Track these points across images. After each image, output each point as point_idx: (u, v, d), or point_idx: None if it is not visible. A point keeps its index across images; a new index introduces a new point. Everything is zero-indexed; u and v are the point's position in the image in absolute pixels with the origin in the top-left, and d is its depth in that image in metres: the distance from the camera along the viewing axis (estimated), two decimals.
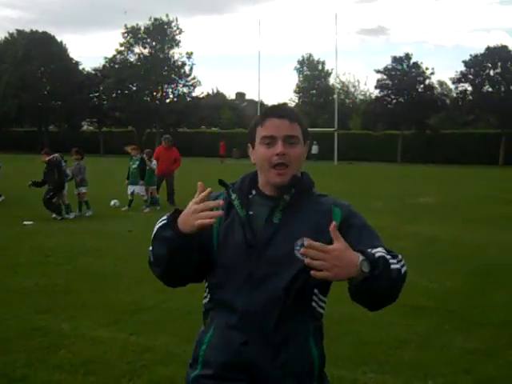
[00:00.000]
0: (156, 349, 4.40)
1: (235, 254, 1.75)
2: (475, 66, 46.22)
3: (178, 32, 54.94)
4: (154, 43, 54.38)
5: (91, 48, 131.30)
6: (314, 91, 58.75)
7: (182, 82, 55.26)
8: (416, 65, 48.59)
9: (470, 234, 10.05)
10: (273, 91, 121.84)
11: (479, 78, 46.37)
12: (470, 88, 47.36)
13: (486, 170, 33.64)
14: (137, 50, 54.73)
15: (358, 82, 76.41)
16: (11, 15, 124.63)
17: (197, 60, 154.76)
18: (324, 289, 1.80)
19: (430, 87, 48.72)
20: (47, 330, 4.80)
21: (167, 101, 55.25)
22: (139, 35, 54.30)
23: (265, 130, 1.80)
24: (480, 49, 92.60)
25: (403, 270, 1.68)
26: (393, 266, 1.63)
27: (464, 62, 46.80)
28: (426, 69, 48.56)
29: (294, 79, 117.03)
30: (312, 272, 1.50)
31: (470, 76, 46.73)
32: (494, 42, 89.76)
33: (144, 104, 52.73)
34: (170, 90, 55.62)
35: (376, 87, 50.24)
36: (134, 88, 54.02)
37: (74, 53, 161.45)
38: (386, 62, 52.15)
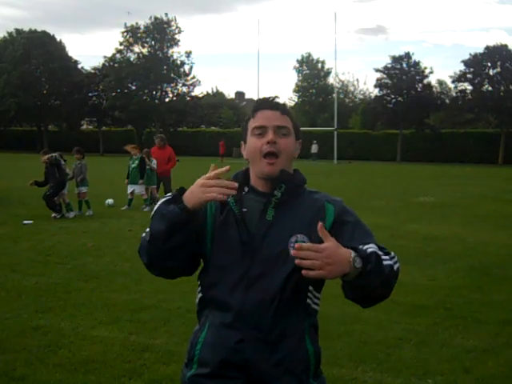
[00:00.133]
0: (156, 348, 4.40)
1: (230, 252, 1.74)
2: (475, 65, 46.20)
3: (177, 31, 54.92)
4: (153, 42, 54.35)
5: (90, 47, 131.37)
6: (314, 90, 58.68)
7: (182, 82, 55.24)
8: (415, 64, 48.59)
9: (469, 233, 10.05)
10: (272, 90, 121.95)
11: (479, 77, 46.35)
12: (469, 87, 47.36)
13: (485, 169, 33.64)
14: (136, 49, 54.73)
15: (358, 81, 76.57)
16: (10, 14, 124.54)
17: (196, 59, 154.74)
18: (318, 286, 1.80)
19: (429, 86, 48.71)
20: (47, 329, 4.80)
21: (167, 100, 55.20)
22: (138, 34, 54.26)
23: (256, 121, 1.80)
24: (479, 48, 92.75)
25: (396, 267, 1.67)
26: (385, 262, 1.63)
27: (463, 61, 46.80)
28: (425, 68, 48.61)
29: (293, 78, 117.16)
30: (303, 271, 1.49)
31: (470, 75, 46.71)
32: (493, 41, 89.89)
33: (143, 103, 52.69)
34: (170, 89, 55.57)
35: (375, 86, 50.26)
36: (134, 87, 53.97)
37: (73, 52, 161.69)
38: (386, 61, 52.02)
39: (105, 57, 55.02)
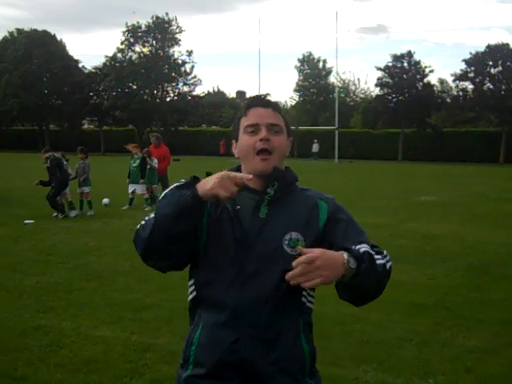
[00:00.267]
0: (158, 347, 4.41)
1: (224, 250, 1.73)
2: (476, 64, 46.13)
3: (178, 31, 54.91)
4: (154, 42, 54.35)
5: (91, 47, 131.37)
6: (315, 90, 58.57)
7: (183, 81, 55.24)
8: (416, 63, 48.53)
9: (468, 232, 10.05)
10: (273, 90, 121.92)
11: (480, 76, 46.28)
12: (470, 86, 47.30)
13: (486, 168, 33.60)
14: (137, 48, 54.72)
15: (359, 80, 76.34)
16: (11, 14, 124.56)
17: (197, 59, 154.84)
18: None
19: (430, 85, 48.64)
20: (48, 328, 4.80)
21: (168, 99, 55.20)
22: (139, 34, 54.25)
23: (248, 119, 1.80)
24: (479, 47, 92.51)
25: (388, 265, 1.68)
26: (378, 262, 1.64)
27: (465, 60, 46.72)
28: (425, 67, 48.54)
29: (294, 77, 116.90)
30: (305, 284, 1.49)
31: (471, 74, 46.64)
32: (494, 40, 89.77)
33: (144, 103, 52.66)
34: (171, 88, 55.56)
35: (376, 85, 50.21)
36: (135, 87, 53.95)
37: (74, 51, 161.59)
38: (386, 60, 52.02)
39: (106, 56, 55.08)
